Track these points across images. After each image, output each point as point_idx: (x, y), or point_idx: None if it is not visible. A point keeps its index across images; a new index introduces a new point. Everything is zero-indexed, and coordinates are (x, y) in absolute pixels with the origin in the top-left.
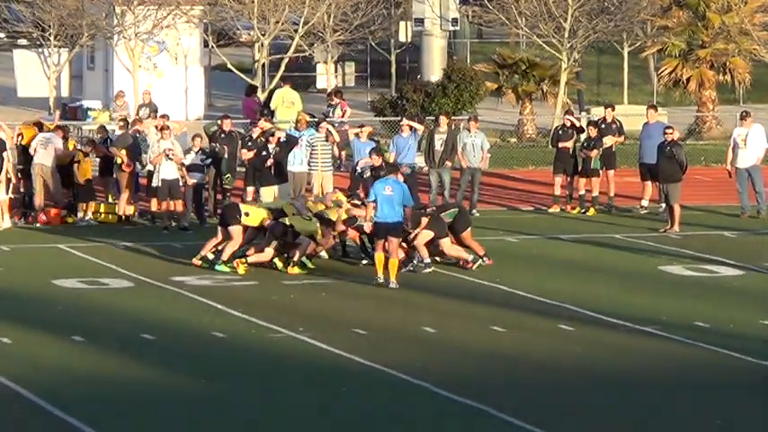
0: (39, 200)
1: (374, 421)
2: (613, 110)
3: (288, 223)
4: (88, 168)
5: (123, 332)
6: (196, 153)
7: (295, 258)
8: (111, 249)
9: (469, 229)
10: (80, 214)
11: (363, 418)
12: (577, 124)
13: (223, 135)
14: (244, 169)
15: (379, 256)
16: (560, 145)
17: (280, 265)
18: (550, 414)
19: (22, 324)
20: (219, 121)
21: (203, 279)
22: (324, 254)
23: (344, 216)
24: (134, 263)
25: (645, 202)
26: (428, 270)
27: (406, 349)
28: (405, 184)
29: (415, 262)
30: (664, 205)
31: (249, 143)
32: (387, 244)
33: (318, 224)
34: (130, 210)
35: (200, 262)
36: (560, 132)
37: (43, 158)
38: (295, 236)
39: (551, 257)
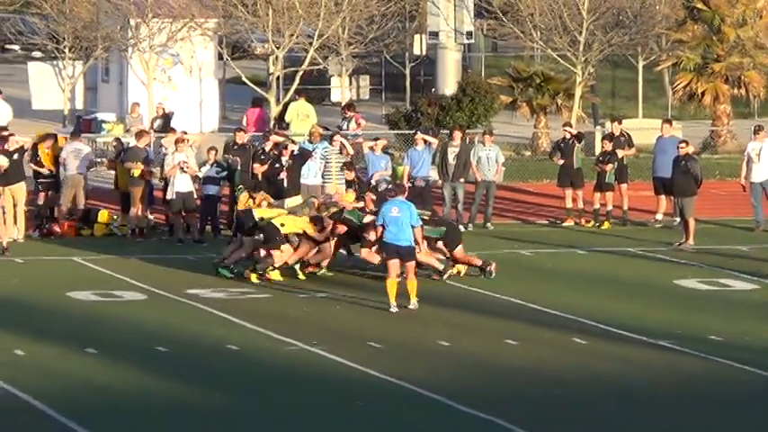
0: (63, 209)
1: None
2: (620, 123)
3: (278, 224)
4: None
5: (137, 344)
6: (211, 165)
7: (275, 263)
8: (125, 262)
9: (461, 245)
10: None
11: (377, 431)
12: (575, 133)
13: (236, 147)
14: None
15: (391, 283)
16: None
17: (253, 277)
18: (563, 427)
19: (35, 336)
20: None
21: (217, 292)
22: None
23: (333, 210)
24: (148, 275)
25: (659, 216)
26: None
27: (421, 362)
28: (411, 202)
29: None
30: (678, 219)
31: (262, 156)
32: (401, 267)
33: (308, 220)
34: (144, 222)
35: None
36: (561, 146)
37: (78, 168)
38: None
39: (565, 271)
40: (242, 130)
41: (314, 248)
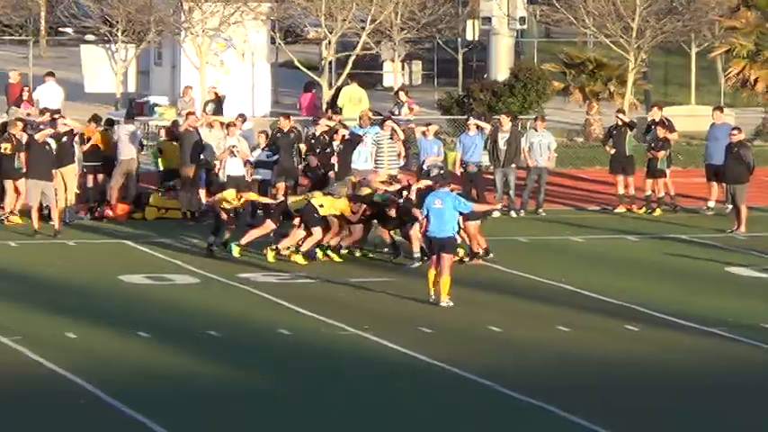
0: (114, 193)
1: (439, 419)
2: (660, 109)
3: (317, 204)
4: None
5: (189, 328)
6: (262, 149)
7: (303, 248)
8: (177, 245)
9: (475, 222)
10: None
11: (428, 415)
12: (627, 120)
13: (281, 134)
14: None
15: (431, 273)
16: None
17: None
18: (617, 416)
19: (87, 319)
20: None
21: (269, 276)
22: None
23: (366, 191)
24: (200, 259)
25: (711, 203)
26: (416, 264)
27: (472, 348)
28: (458, 195)
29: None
30: (730, 206)
31: (312, 141)
32: (439, 260)
33: (347, 201)
34: (197, 205)
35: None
36: (614, 132)
37: (132, 152)
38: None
39: (617, 257)
40: (287, 117)
41: (344, 229)
